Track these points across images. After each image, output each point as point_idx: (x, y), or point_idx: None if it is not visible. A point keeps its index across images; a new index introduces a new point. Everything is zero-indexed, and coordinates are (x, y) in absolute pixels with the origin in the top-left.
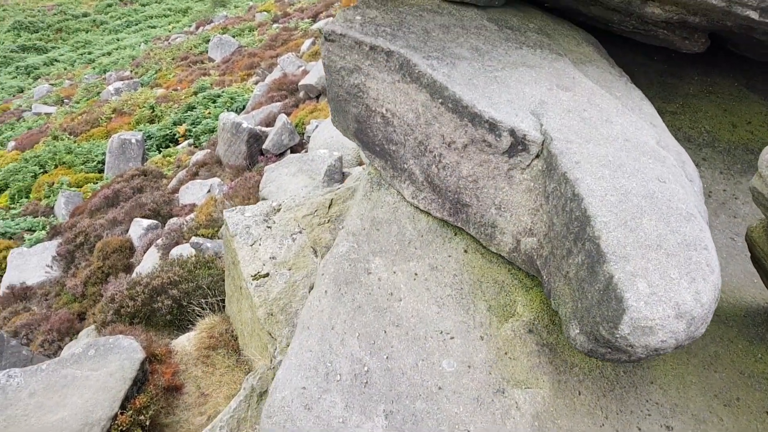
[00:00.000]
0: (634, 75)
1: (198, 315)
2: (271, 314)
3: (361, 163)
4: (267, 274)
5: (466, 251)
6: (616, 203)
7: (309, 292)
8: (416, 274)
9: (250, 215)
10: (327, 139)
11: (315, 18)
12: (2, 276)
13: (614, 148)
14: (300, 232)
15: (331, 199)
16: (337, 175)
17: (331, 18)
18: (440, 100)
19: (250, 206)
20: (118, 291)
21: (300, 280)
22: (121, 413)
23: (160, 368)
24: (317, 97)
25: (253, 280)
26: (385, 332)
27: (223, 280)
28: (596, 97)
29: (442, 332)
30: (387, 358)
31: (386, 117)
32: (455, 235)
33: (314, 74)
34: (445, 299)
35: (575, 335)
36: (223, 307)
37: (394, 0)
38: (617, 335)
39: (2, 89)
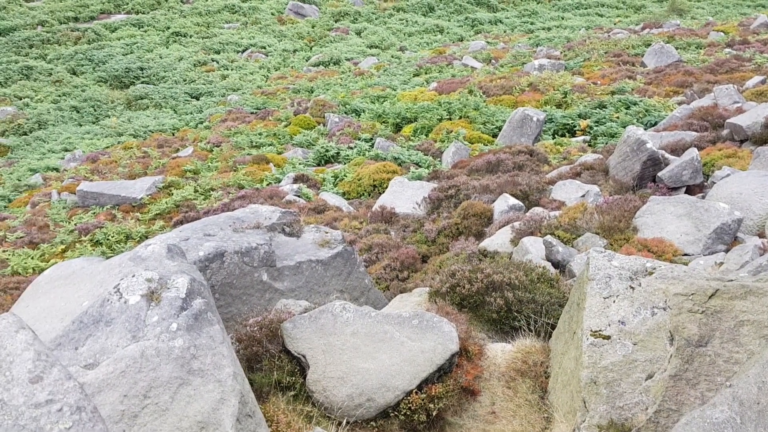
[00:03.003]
0: None
1: (522, 330)
2: (595, 382)
3: (761, 235)
4: (608, 337)
5: None
6: None
7: (645, 380)
8: None
9: (617, 266)
10: (734, 193)
11: None
12: (381, 194)
13: None
14: (664, 309)
15: (717, 290)
16: (727, 237)
17: None
18: None
19: (620, 255)
20: (460, 269)
21: (641, 361)
22: (416, 392)
23: (466, 365)
24: (741, 142)
25: (591, 335)
26: None
27: (561, 307)
28: None
29: None
30: None
31: None
32: None
33: (750, 116)
34: None
35: None
36: (550, 334)
37: None
38: None
39: (447, 35)
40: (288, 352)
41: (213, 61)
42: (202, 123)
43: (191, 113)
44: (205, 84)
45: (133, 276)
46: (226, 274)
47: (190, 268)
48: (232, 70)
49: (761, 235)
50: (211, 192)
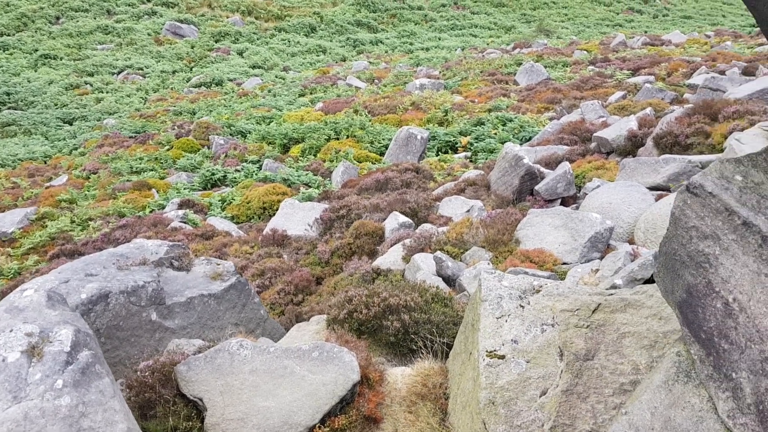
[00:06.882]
0: None
1: (420, 351)
2: (493, 403)
3: (631, 241)
4: (503, 357)
5: None
6: None
7: (539, 397)
8: None
9: (507, 286)
10: (603, 203)
11: (635, 72)
12: (272, 217)
13: None
14: (552, 326)
15: (599, 304)
16: (601, 245)
17: (706, 170)
18: None
19: (509, 275)
20: (357, 294)
21: (534, 378)
22: (319, 427)
23: (368, 393)
24: (608, 154)
25: (486, 356)
26: None
27: (456, 325)
28: None
29: None
30: None
31: (730, 307)
32: None
33: (614, 129)
34: None
35: None
36: (447, 354)
37: None
38: None
39: (330, 55)
40: (183, 396)
41: (86, 84)
42: (76, 149)
43: (64, 139)
44: (78, 108)
45: (11, 330)
46: (111, 317)
47: (73, 317)
48: (107, 92)
49: (631, 242)
50: (90, 222)
